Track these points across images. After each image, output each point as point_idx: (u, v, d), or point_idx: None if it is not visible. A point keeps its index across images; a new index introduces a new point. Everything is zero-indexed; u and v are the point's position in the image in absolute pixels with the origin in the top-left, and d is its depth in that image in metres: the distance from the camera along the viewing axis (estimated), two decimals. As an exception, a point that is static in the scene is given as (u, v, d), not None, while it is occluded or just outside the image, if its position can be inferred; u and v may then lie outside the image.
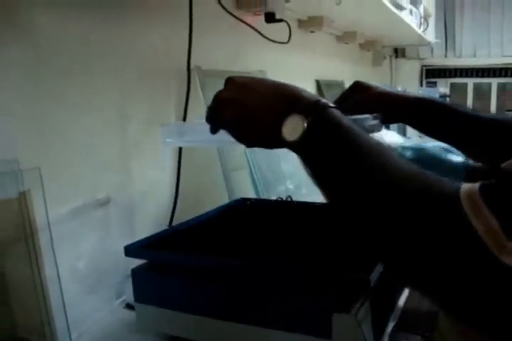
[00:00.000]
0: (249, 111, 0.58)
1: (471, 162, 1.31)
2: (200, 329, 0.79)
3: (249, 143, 0.61)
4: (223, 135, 0.62)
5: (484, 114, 0.83)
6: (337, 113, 0.55)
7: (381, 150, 0.52)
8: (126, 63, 1.09)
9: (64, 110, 0.94)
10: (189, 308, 0.79)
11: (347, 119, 0.54)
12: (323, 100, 0.56)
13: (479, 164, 0.93)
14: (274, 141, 0.57)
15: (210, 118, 0.63)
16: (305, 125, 0.53)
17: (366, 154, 0.51)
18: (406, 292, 0.94)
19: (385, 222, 0.48)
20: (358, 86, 0.89)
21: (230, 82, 0.61)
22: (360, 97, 0.86)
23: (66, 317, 0.79)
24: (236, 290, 0.76)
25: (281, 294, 0.72)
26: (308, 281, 0.72)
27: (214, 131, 0.63)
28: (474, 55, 3.90)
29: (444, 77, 4.02)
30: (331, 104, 0.55)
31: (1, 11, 0.80)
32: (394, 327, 0.83)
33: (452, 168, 1.37)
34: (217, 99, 0.61)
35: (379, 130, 0.78)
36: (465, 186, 0.45)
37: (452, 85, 3.93)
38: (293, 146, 0.55)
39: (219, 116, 0.61)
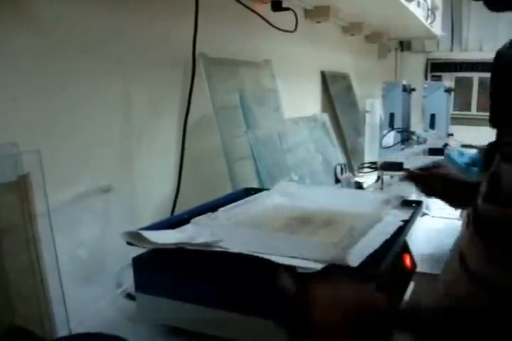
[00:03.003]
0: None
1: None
2: (202, 320, 0.77)
3: None
4: None
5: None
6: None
7: None
8: (131, 51, 1.08)
9: (67, 95, 0.93)
10: (191, 299, 0.77)
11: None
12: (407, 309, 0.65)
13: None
14: None
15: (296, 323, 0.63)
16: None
17: None
18: (411, 287, 0.93)
19: None
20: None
21: (320, 299, 0.62)
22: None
23: (65, 306, 0.77)
24: (240, 281, 0.74)
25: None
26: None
27: None
28: (480, 49, 3.87)
29: (450, 71, 3.99)
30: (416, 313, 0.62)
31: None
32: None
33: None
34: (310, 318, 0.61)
35: None
36: None
37: (457, 79, 3.90)
38: None
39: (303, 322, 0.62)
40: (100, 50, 1.00)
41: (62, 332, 0.78)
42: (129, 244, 0.78)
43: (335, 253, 0.70)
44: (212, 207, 0.95)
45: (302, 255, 0.71)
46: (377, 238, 0.79)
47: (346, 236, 0.76)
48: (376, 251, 0.73)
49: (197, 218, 0.86)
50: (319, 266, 0.67)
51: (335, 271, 0.67)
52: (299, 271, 0.66)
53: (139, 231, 0.77)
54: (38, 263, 0.72)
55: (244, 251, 0.72)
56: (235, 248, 0.74)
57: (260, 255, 0.70)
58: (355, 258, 0.69)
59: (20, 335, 0.71)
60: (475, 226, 0.61)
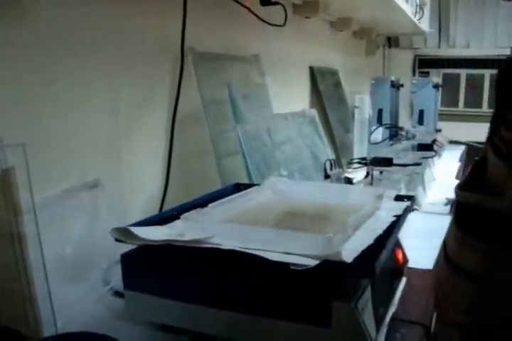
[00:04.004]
0: None
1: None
2: (192, 318, 0.76)
3: None
4: None
5: None
6: None
7: None
8: (120, 46, 1.06)
9: (55, 90, 0.91)
10: (182, 296, 0.76)
11: None
12: None
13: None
14: None
15: None
16: None
17: None
18: (404, 281, 0.92)
19: None
20: None
21: None
22: None
23: (51, 305, 0.75)
24: (230, 278, 0.73)
25: (278, 281, 0.69)
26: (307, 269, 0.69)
27: None
28: (468, 46, 3.88)
29: (437, 67, 4.00)
30: None
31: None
32: (392, 316, 0.81)
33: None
34: None
35: None
36: None
37: (445, 76, 3.91)
38: None
39: None
40: (88, 44, 0.98)
41: (48, 331, 0.76)
42: (117, 240, 0.75)
43: (329, 248, 0.68)
44: (201, 202, 0.92)
45: (295, 251, 0.69)
46: (370, 233, 0.77)
47: (339, 231, 0.74)
48: (370, 247, 0.71)
49: (187, 214, 0.83)
50: (313, 263, 0.65)
51: (328, 267, 0.65)
52: (292, 267, 0.64)
53: (128, 227, 0.75)
54: (24, 260, 0.70)
55: (237, 248, 0.70)
56: (226, 244, 0.72)
57: (252, 251, 0.68)
58: (349, 254, 0.67)
59: (5, 335, 0.69)
60: (454, 214, 0.60)
